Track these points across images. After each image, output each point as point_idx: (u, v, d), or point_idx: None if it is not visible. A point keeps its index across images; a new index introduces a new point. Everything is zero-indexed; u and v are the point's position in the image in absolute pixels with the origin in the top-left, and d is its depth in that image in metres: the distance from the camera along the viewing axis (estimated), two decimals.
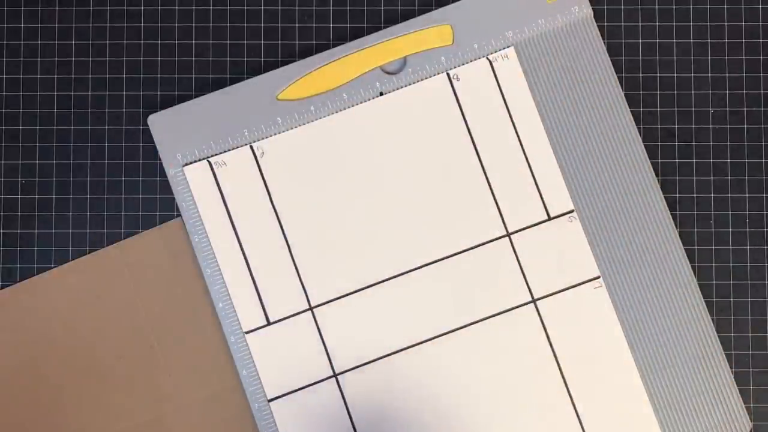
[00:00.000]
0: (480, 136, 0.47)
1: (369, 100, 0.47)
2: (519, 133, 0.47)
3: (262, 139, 0.47)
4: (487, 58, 0.47)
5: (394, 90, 0.47)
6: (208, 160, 0.46)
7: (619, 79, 0.48)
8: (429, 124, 0.47)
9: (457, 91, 0.47)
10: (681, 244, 0.47)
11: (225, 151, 0.47)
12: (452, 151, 0.47)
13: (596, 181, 0.47)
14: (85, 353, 0.47)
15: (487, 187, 0.46)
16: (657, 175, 0.47)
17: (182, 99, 0.47)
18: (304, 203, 0.46)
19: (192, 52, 0.49)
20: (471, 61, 0.47)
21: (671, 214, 0.47)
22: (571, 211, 0.46)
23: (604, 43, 0.47)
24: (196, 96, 0.47)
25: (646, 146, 0.47)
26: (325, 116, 0.47)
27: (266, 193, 0.46)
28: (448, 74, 0.47)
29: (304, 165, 0.47)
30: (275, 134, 0.47)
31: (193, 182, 0.46)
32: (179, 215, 0.47)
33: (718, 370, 0.46)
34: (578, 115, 0.47)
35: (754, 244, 0.48)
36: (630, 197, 0.47)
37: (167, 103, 0.48)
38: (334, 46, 0.48)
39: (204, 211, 0.46)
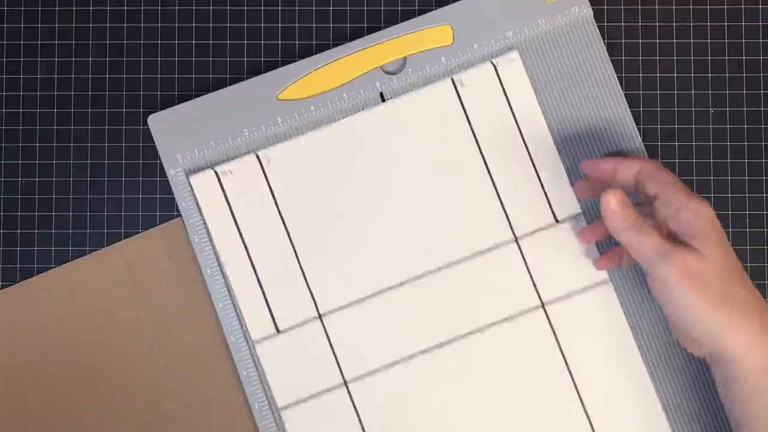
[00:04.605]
0: (486, 140, 0.46)
1: (369, 100, 0.47)
2: (525, 137, 0.46)
3: (267, 146, 0.46)
4: (492, 63, 0.47)
5: (394, 90, 0.47)
6: (214, 169, 0.46)
7: (619, 79, 0.48)
8: (434, 129, 0.46)
9: (462, 97, 0.47)
10: None
11: (230, 160, 0.46)
12: (458, 156, 0.46)
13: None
14: (85, 353, 0.47)
15: (494, 191, 0.46)
16: None
17: (182, 99, 0.47)
18: (310, 211, 0.46)
19: (192, 52, 0.49)
20: (473, 63, 0.47)
21: None
22: (578, 214, 0.46)
23: (604, 43, 0.47)
24: (196, 96, 0.47)
25: (646, 146, 0.47)
26: (329, 123, 0.47)
27: (273, 201, 0.46)
28: (452, 80, 0.46)
29: (311, 173, 0.46)
30: (280, 141, 0.47)
31: (199, 191, 0.46)
32: (179, 215, 0.47)
33: None
34: (578, 115, 0.47)
35: (754, 244, 0.48)
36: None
37: (167, 103, 0.48)
38: (334, 46, 0.48)
39: (210, 220, 0.46)
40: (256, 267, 0.46)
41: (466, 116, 0.46)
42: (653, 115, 0.48)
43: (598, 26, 0.47)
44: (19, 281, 0.47)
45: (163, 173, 0.48)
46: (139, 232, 0.48)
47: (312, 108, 0.47)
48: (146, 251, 0.47)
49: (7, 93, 0.49)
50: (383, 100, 0.47)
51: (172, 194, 0.47)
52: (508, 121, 0.46)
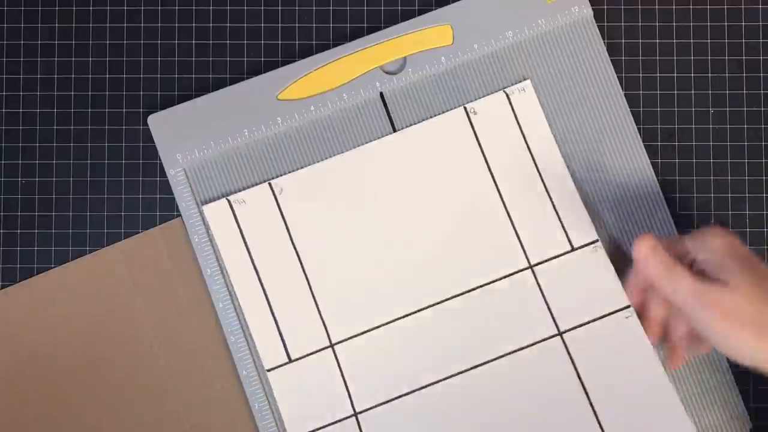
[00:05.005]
0: (499, 168, 0.46)
1: (369, 100, 0.47)
2: (538, 165, 0.46)
3: (280, 175, 0.46)
4: (504, 92, 0.46)
5: (393, 90, 0.47)
6: (227, 199, 0.46)
7: (619, 79, 0.48)
8: (447, 158, 0.46)
9: (474, 125, 0.46)
10: None
11: (243, 189, 0.46)
12: (471, 185, 0.46)
13: (601, 186, 0.47)
14: (85, 353, 0.47)
15: (508, 219, 0.46)
16: (657, 176, 0.47)
17: (182, 99, 0.47)
18: (323, 240, 0.46)
19: (192, 52, 0.49)
20: (473, 63, 0.47)
21: (671, 214, 0.47)
22: (595, 241, 0.45)
23: (604, 43, 0.47)
24: (196, 96, 0.47)
25: (646, 146, 0.47)
26: (342, 152, 0.46)
27: (285, 230, 0.46)
28: (465, 108, 0.46)
29: (323, 202, 0.46)
30: (293, 170, 0.46)
31: (212, 221, 0.46)
32: (179, 215, 0.47)
33: (719, 372, 0.46)
34: (577, 115, 0.47)
35: (754, 244, 0.48)
36: (635, 202, 0.47)
37: (167, 103, 0.48)
38: (334, 46, 0.48)
39: (224, 249, 0.46)
40: (268, 295, 0.46)
41: (479, 144, 0.46)
42: (653, 115, 0.48)
43: (598, 26, 0.47)
44: (19, 281, 0.47)
45: (163, 173, 0.48)
46: (139, 232, 0.48)
47: (312, 108, 0.47)
48: (146, 251, 0.47)
49: (7, 93, 0.49)
50: (383, 100, 0.47)
51: (172, 194, 0.47)
52: (521, 148, 0.46)
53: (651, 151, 0.47)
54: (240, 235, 0.46)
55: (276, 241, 0.46)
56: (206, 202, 0.47)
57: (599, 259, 0.45)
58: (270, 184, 0.46)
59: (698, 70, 0.48)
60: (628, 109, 0.47)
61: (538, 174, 0.46)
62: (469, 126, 0.46)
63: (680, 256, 0.41)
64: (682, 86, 0.48)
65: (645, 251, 0.40)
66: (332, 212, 0.46)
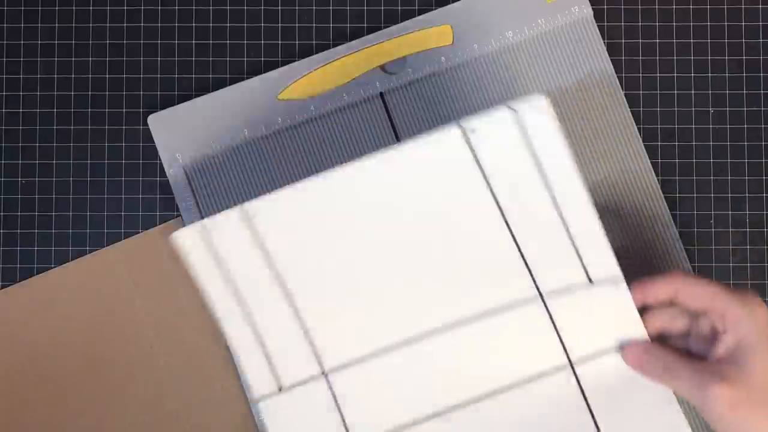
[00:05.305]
0: (500, 184, 0.40)
1: (369, 100, 0.47)
2: (556, 197, 0.39)
3: (253, 199, 0.40)
4: (510, 108, 0.38)
5: (393, 89, 0.47)
6: (202, 224, 0.40)
7: (619, 79, 0.48)
8: (440, 182, 0.40)
9: (473, 147, 0.40)
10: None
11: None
12: (469, 204, 0.40)
13: (601, 186, 0.47)
14: (84, 353, 0.47)
15: (513, 242, 0.40)
16: (657, 175, 0.47)
17: (182, 99, 0.47)
18: (306, 267, 0.41)
19: (192, 52, 0.49)
20: (473, 63, 0.47)
21: (671, 214, 0.47)
22: (617, 276, 0.39)
23: (604, 43, 0.47)
24: (196, 96, 0.47)
25: (646, 146, 0.47)
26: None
27: (263, 255, 0.41)
28: (461, 127, 0.39)
29: (302, 229, 0.40)
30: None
31: (186, 249, 0.41)
32: (179, 215, 0.47)
33: None
34: (577, 116, 0.47)
35: (754, 244, 0.48)
36: (636, 203, 0.47)
37: (167, 103, 0.48)
38: (334, 46, 0.48)
39: (202, 278, 0.41)
40: (255, 323, 0.41)
41: (479, 165, 0.40)
42: (653, 115, 0.48)
43: (598, 26, 0.47)
44: (19, 281, 0.47)
45: (163, 173, 0.48)
46: (139, 232, 0.48)
47: (312, 108, 0.47)
48: (146, 251, 0.47)
49: (7, 93, 0.49)
50: (383, 100, 0.47)
51: (172, 194, 0.47)
52: (527, 162, 0.39)
53: (651, 151, 0.47)
54: (216, 263, 0.41)
55: (255, 268, 0.41)
56: (206, 203, 0.47)
57: (621, 295, 0.39)
58: (243, 208, 0.40)
59: (698, 70, 0.48)
60: (628, 109, 0.47)
61: (554, 206, 0.39)
62: (468, 148, 0.40)
63: (703, 309, 0.38)
64: (682, 86, 0.48)
65: (637, 356, 0.39)
66: (313, 240, 0.41)
